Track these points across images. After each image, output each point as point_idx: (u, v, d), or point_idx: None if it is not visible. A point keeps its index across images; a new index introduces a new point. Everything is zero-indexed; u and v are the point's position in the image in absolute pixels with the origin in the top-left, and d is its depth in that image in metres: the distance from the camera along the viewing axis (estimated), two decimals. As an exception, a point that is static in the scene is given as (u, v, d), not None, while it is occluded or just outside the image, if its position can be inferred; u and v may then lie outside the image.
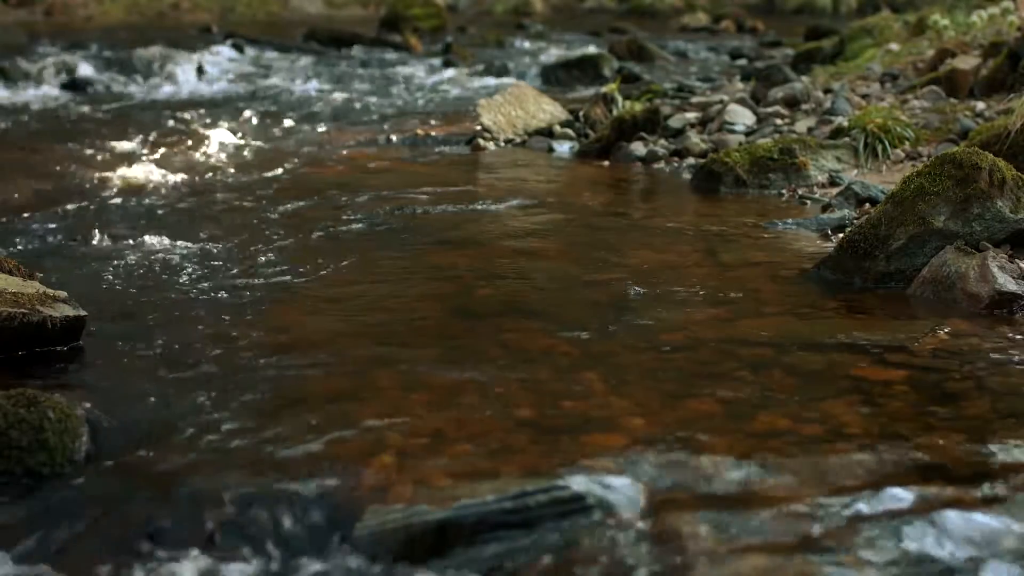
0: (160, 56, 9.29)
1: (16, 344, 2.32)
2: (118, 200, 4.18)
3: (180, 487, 1.77)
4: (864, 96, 5.94)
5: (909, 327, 2.55)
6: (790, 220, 3.74)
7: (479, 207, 4.02)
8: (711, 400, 2.10)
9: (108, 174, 4.69)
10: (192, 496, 1.74)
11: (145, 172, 4.76)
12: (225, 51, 10.69)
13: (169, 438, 1.94)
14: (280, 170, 4.88)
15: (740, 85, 7.11)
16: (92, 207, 4.04)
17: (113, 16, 15.93)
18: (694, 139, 5.19)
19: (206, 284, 2.96)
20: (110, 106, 7.35)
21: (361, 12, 18.17)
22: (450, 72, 9.51)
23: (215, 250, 3.35)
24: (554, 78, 8.62)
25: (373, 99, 7.72)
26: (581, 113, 6.00)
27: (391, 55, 11.00)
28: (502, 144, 5.62)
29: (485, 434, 1.93)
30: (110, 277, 3.04)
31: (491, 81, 8.89)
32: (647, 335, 2.49)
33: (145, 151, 5.36)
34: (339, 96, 7.88)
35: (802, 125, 5.25)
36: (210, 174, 4.78)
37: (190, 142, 5.65)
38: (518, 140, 5.69)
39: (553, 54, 11.02)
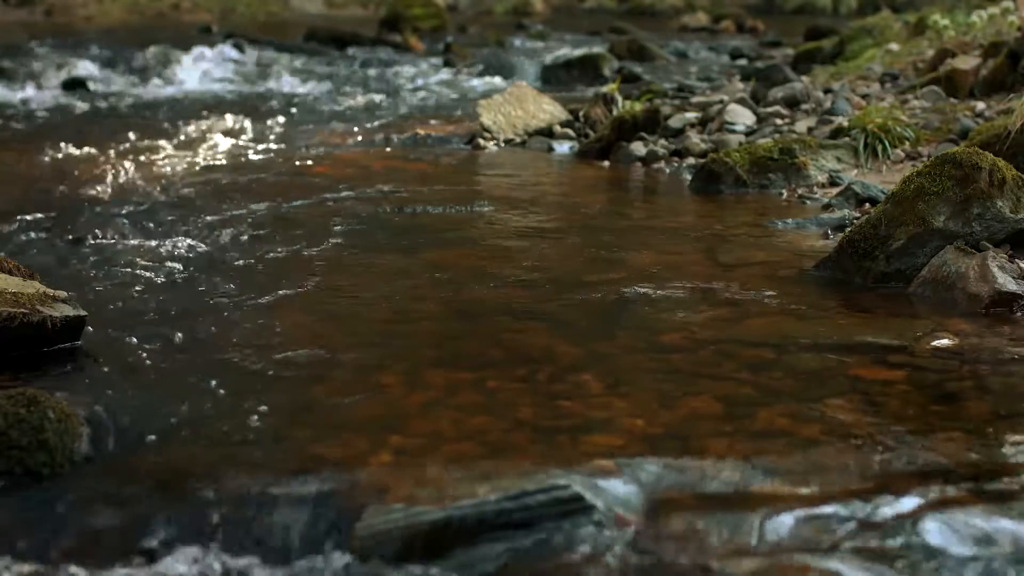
0: (160, 56, 9.28)
1: (16, 344, 2.32)
2: (118, 200, 4.18)
3: (180, 487, 1.77)
4: (864, 96, 5.94)
5: (909, 327, 2.55)
6: (790, 220, 3.74)
7: (479, 207, 4.02)
8: (711, 400, 2.10)
9: (108, 174, 4.69)
10: (192, 496, 1.74)
11: (145, 172, 4.76)
12: (225, 51, 10.67)
13: (169, 438, 1.94)
14: (280, 170, 4.88)
15: (740, 85, 7.10)
16: (92, 207, 4.04)
17: (113, 16, 15.93)
18: (694, 139, 5.18)
19: (205, 284, 2.96)
20: (110, 106, 7.35)
21: (361, 12, 18.16)
22: (450, 72, 9.51)
23: (215, 250, 3.35)
24: (554, 78, 8.61)
25: (373, 99, 7.71)
26: (581, 113, 5.99)
27: (391, 55, 10.98)
28: (502, 144, 5.62)
29: (485, 434, 1.94)
30: (110, 277, 3.04)
31: (491, 81, 8.88)
32: (647, 335, 2.49)
33: (145, 151, 5.35)
34: (339, 96, 7.87)
35: (802, 125, 5.24)
36: (210, 174, 4.78)
37: (190, 142, 5.65)
38: (518, 140, 5.68)
39: (553, 54, 11.01)
